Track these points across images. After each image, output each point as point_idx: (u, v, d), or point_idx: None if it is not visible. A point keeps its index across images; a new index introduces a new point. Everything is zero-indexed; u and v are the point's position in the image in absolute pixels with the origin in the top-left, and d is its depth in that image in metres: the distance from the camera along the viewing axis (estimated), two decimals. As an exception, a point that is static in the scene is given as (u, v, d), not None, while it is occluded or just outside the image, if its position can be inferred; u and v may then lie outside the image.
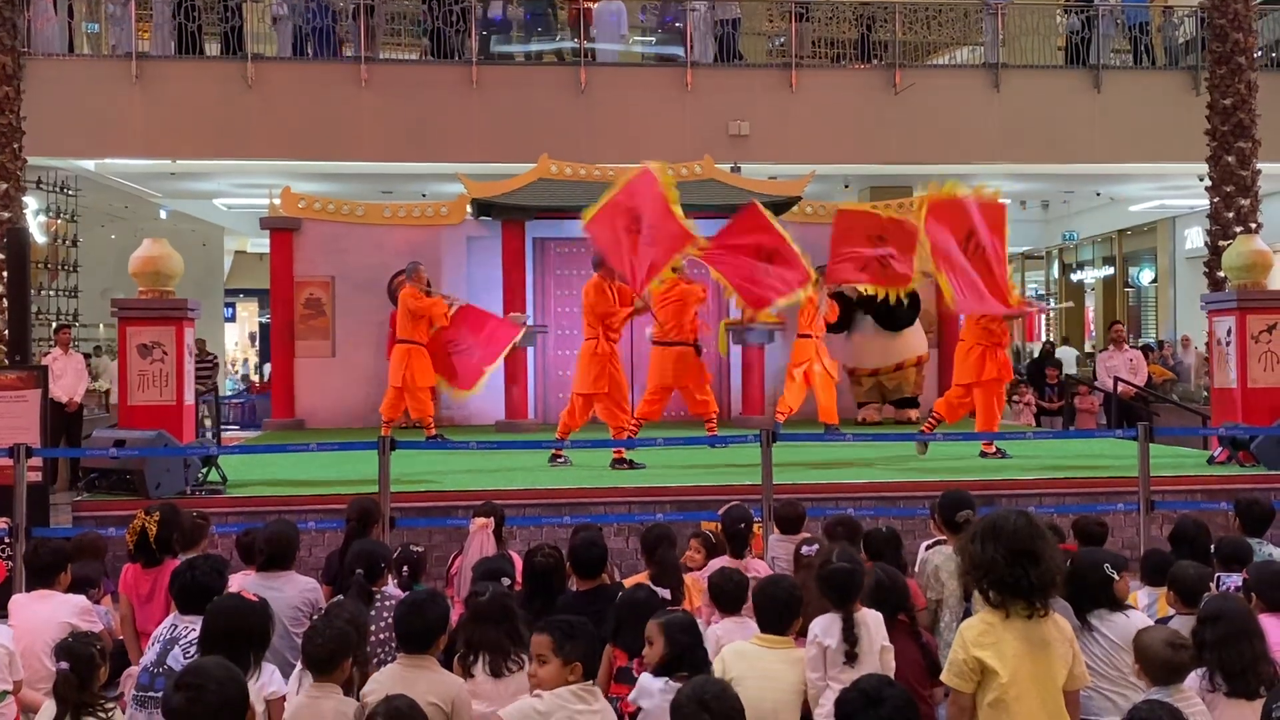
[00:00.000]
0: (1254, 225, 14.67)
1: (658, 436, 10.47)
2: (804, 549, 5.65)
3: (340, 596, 5.46)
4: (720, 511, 6.69)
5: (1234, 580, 5.62)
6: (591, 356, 10.20)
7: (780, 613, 4.61)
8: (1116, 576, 4.87)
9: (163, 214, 21.41)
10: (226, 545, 7.61)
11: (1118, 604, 4.84)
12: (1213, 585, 5.47)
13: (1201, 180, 15.48)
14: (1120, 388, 14.57)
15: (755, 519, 6.99)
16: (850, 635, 4.49)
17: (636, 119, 17.08)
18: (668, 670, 4.26)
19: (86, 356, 15.50)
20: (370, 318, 14.47)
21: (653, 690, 4.28)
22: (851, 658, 4.46)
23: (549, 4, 18.26)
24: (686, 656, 4.27)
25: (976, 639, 3.73)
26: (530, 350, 14.35)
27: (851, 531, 6.23)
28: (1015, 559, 3.70)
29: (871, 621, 4.60)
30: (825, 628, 4.54)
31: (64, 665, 4.34)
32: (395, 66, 17.31)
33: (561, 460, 10.43)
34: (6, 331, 11.39)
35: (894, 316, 14.32)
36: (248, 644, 4.19)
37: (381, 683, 4.33)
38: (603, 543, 5.81)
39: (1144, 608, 5.74)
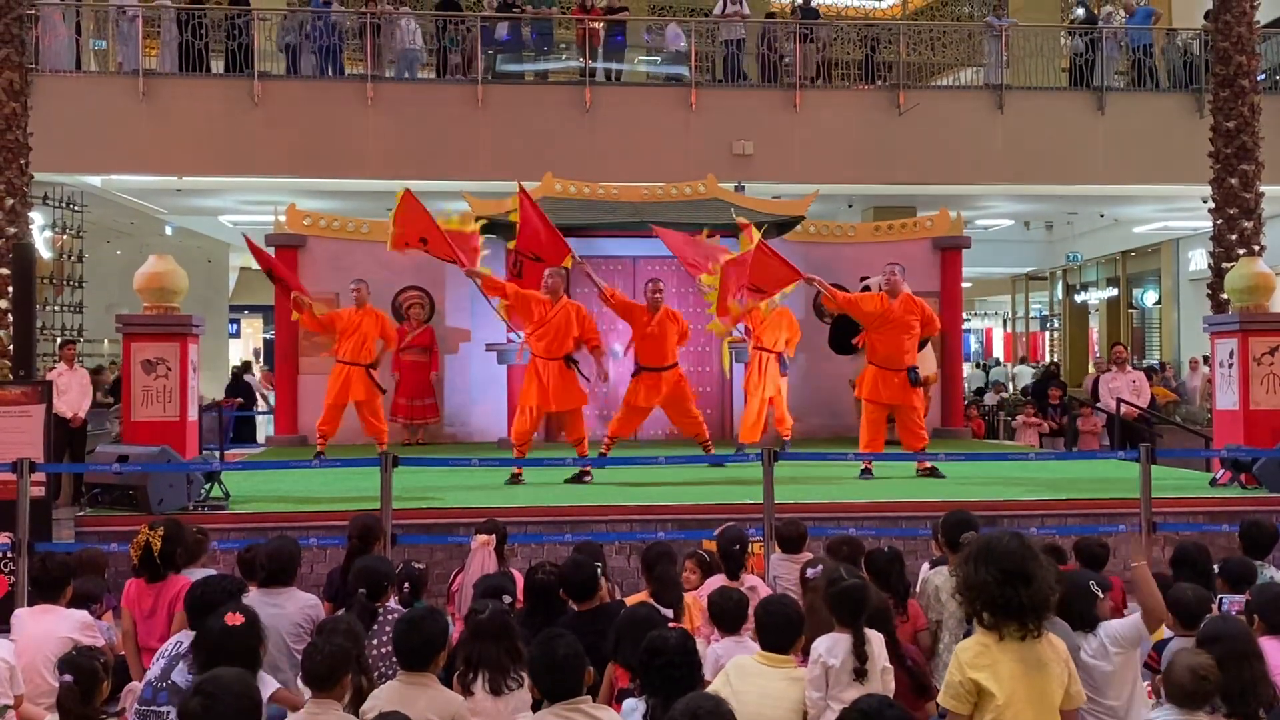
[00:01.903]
0: (1257, 248, 14.69)
1: (659, 455, 10.48)
2: (809, 571, 5.66)
3: (341, 612, 5.47)
4: (716, 532, 6.69)
5: (1236, 602, 5.63)
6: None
7: (783, 631, 4.62)
8: (1100, 595, 4.87)
9: (168, 230, 21.46)
10: (229, 561, 7.62)
11: (1093, 623, 4.82)
12: (1215, 607, 5.47)
13: (1205, 202, 15.50)
14: (1123, 409, 14.56)
15: (756, 538, 6.98)
16: (861, 652, 4.49)
17: (641, 138, 17.14)
18: (647, 692, 4.25)
19: (95, 371, 15.54)
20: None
21: (631, 711, 4.29)
22: (861, 674, 4.46)
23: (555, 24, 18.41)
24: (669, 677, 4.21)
25: (972, 660, 3.73)
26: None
27: (854, 551, 6.24)
28: (1007, 580, 3.70)
29: (876, 641, 4.59)
30: (830, 647, 4.53)
31: (67, 678, 4.36)
32: (401, 85, 17.37)
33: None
34: (11, 346, 11.42)
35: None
36: (236, 664, 4.20)
37: (381, 699, 4.34)
38: (590, 564, 5.76)
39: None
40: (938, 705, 4.01)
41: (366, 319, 12.51)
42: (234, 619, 4.42)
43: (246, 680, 3.63)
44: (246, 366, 19.85)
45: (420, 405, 14.64)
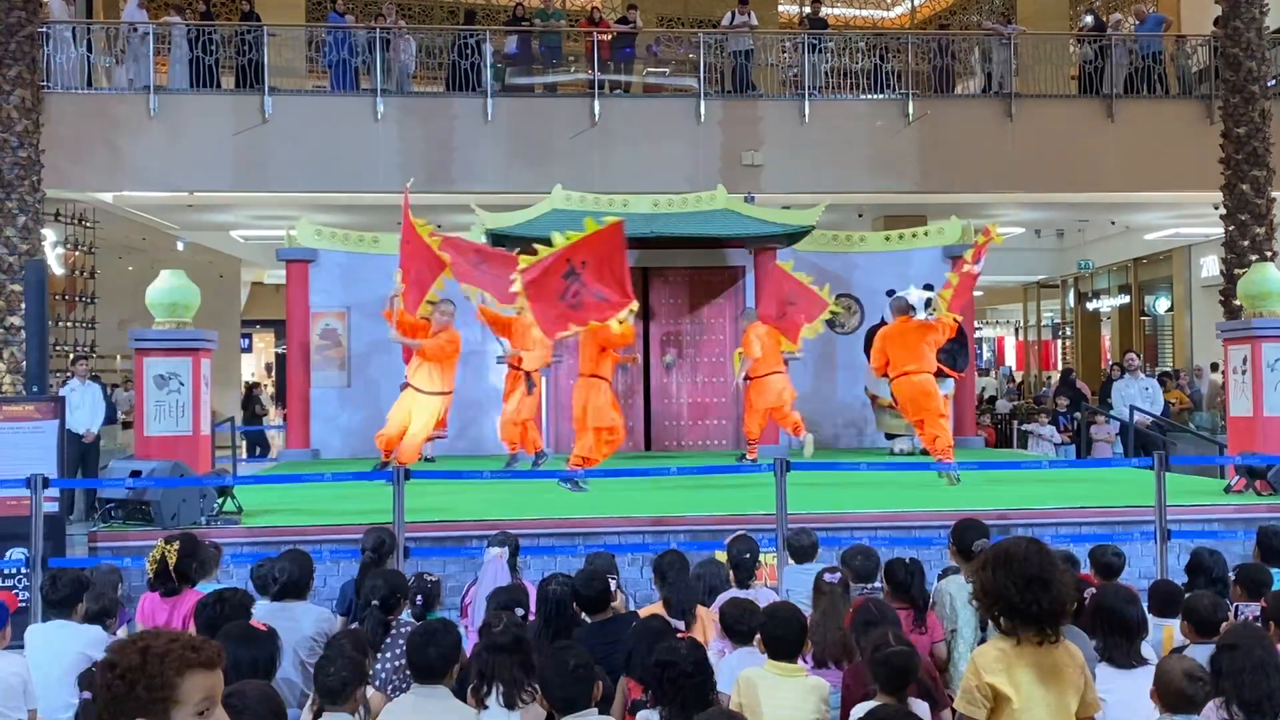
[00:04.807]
0: (1269, 253, 14.65)
1: (671, 465, 10.46)
2: (826, 576, 5.63)
3: (355, 626, 5.46)
4: (727, 542, 6.67)
5: (1252, 609, 5.60)
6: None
7: (788, 639, 4.62)
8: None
9: (180, 246, 21.53)
10: (242, 575, 7.62)
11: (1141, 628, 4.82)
12: (1231, 613, 5.44)
13: (1216, 208, 15.46)
14: (1136, 416, 14.50)
15: (769, 549, 6.96)
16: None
17: (650, 149, 17.15)
18: (660, 703, 4.23)
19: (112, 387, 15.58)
20: (386, 348, 14.48)
21: None
22: None
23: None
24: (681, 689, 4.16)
25: (989, 665, 3.72)
26: (544, 379, 14.36)
27: (869, 561, 6.21)
28: (1026, 585, 3.69)
29: (920, 709, 4.48)
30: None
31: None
32: (411, 98, 17.42)
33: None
34: (25, 363, 11.46)
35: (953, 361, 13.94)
36: (253, 673, 4.19)
37: (395, 713, 4.33)
38: (603, 576, 5.75)
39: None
40: (953, 712, 3.98)
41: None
42: (258, 624, 4.42)
43: (273, 695, 3.60)
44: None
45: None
